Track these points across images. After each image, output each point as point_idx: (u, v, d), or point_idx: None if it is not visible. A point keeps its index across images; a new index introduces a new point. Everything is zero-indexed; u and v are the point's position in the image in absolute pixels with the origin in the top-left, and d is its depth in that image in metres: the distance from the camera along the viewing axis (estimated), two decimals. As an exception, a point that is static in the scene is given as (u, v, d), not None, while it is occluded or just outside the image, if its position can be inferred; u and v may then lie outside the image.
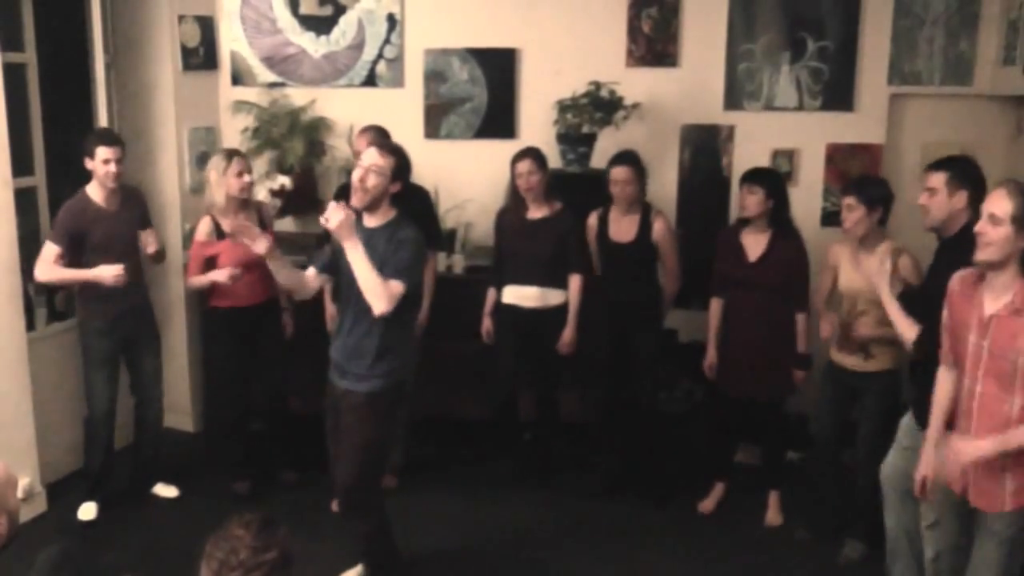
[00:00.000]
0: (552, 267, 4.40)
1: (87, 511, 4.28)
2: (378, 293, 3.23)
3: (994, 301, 2.68)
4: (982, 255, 2.66)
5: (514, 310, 4.50)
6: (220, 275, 4.16)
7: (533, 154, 4.39)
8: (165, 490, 4.55)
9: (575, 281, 4.43)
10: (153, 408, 4.50)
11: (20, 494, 2.98)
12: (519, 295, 4.48)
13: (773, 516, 4.32)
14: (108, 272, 3.98)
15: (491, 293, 4.59)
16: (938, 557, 3.12)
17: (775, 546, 4.15)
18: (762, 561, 4.03)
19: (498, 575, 3.94)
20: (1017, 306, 2.60)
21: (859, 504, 3.95)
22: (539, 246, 4.38)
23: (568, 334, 4.42)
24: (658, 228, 4.33)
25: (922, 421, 3.25)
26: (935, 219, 3.26)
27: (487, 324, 4.60)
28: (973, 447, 2.68)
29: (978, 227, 2.67)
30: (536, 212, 4.43)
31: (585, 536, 4.21)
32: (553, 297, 4.44)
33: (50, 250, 4.05)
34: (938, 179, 3.23)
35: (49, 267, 4.06)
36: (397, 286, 3.26)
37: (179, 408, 5.34)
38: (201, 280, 4.26)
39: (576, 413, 4.85)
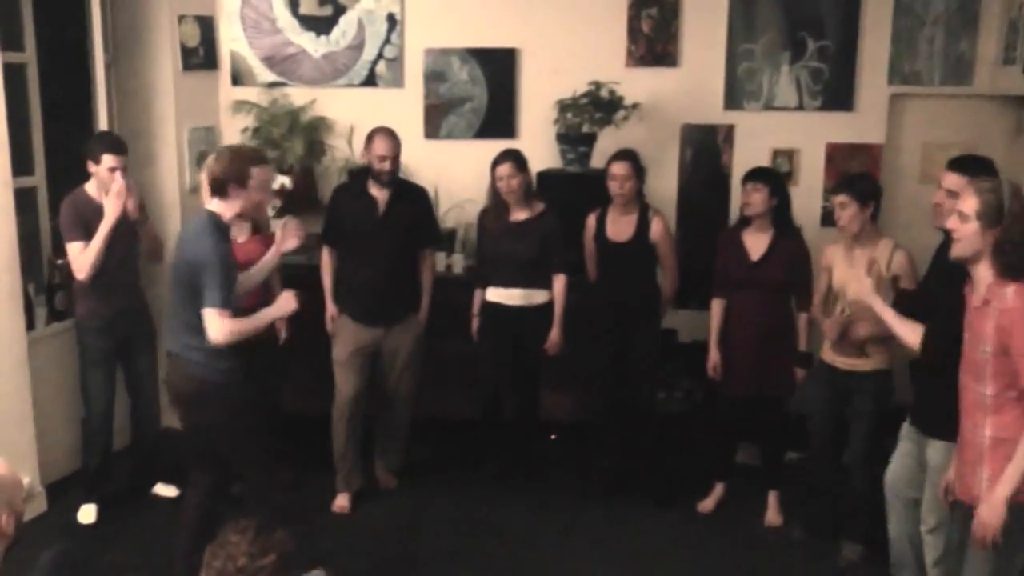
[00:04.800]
0: (536, 268, 4.40)
1: (87, 514, 4.28)
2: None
3: (975, 296, 2.76)
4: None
5: (498, 308, 4.49)
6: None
7: (513, 157, 4.38)
8: (165, 490, 4.55)
9: (559, 281, 4.43)
10: (150, 408, 4.50)
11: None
12: (504, 296, 4.47)
13: (773, 516, 4.32)
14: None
15: (478, 293, 4.58)
16: (939, 562, 3.12)
17: (775, 546, 4.15)
18: (762, 561, 4.03)
19: (498, 575, 3.94)
20: (987, 298, 2.68)
21: (855, 506, 3.95)
22: (523, 248, 4.37)
23: (555, 335, 4.42)
24: (656, 228, 4.33)
25: (920, 426, 3.24)
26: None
27: (476, 324, 4.60)
28: (994, 507, 2.61)
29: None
30: (519, 214, 4.43)
31: (585, 536, 4.21)
32: (537, 297, 4.45)
33: (75, 247, 4.05)
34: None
35: (85, 258, 4.00)
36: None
37: (179, 408, 5.33)
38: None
39: (576, 413, 4.85)
